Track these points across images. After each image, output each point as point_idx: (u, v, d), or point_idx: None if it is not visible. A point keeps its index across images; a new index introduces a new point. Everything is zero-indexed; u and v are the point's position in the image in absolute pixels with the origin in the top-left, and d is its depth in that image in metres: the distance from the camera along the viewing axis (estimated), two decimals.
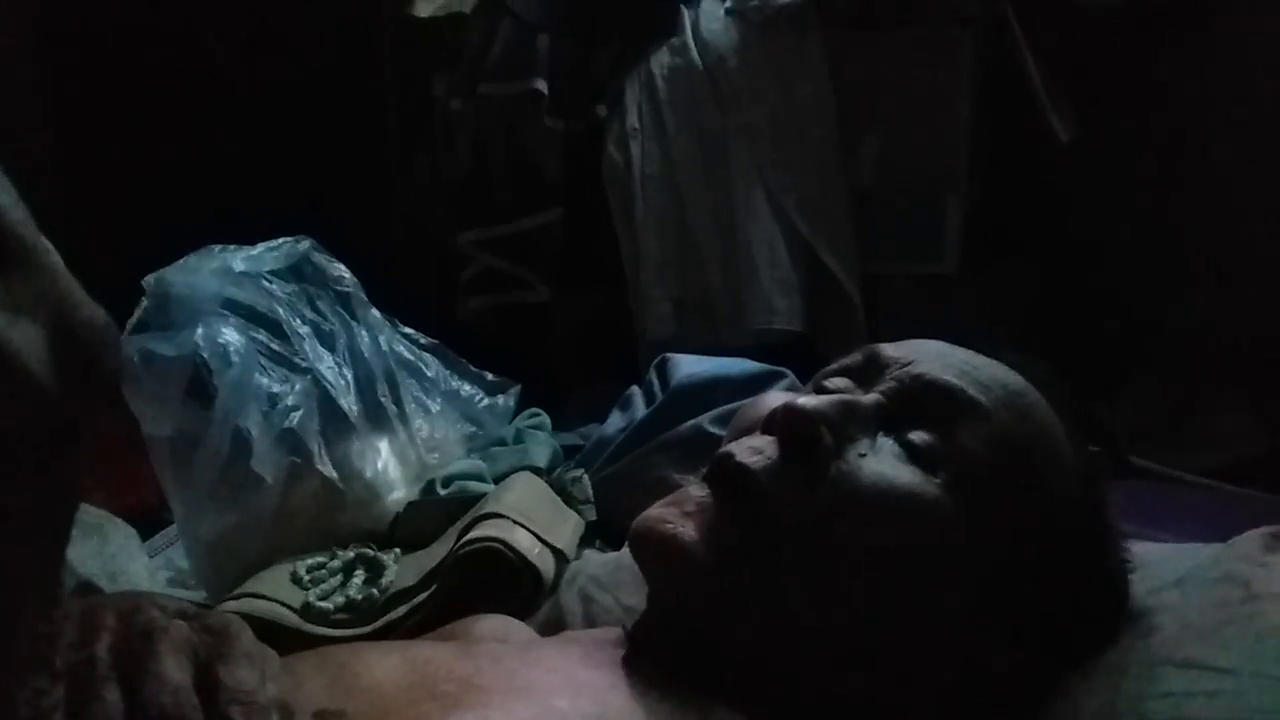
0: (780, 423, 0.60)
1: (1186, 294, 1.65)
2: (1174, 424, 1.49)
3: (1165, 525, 0.94)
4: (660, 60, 1.66)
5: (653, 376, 1.20)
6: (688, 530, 0.58)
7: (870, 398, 0.62)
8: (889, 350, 0.65)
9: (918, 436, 0.60)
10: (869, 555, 0.57)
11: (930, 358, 0.64)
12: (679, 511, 0.60)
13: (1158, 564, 0.68)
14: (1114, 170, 1.66)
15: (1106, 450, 1.18)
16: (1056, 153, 1.55)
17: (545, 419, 1.25)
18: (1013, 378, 0.64)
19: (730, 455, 0.60)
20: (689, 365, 1.16)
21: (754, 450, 0.60)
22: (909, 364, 0.63)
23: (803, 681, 0.59)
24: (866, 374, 0.65)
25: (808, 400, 0.61)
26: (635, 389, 1.21)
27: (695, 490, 0.61)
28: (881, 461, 0.59)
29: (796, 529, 0.57)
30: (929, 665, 0.59)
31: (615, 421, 1.17)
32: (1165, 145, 1.65)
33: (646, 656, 0.60)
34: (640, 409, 1.15)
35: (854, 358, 0.68)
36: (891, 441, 0.60)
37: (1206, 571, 0.65)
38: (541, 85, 1.65)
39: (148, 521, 1.21)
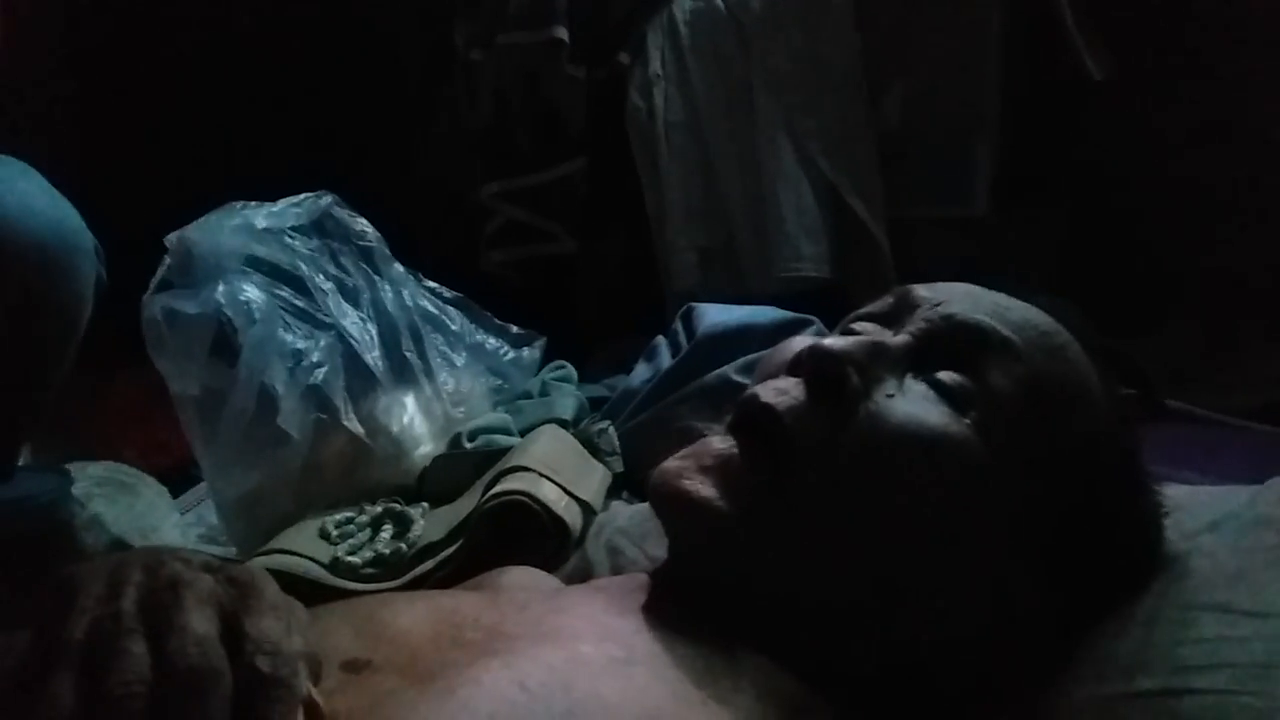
0: (806, 364, 0.60)
1: (1220, 234, 1.61)
2: (1208, 365, 1.46)
3: (1200, 467, 0.93)
4: (683, 5, 1.63)
5: (678, 326, 1.19)
6: (705, 486, 0.58)
7: (899, 339, 0.61)
8: (921, 291, 0.65)
9: (947, 376, 0.59)
10: (897, 496, 0.57)
11: (961, 298, 0.63)
12: (696, 466, 0.59)
13: (1192, 507, 0.67)
14: (1146, 110, 1.62)
15: (1140, 392, 1.17)
16: (1088, 93, 1.52)
17: (571, 371, 1.24)
18: (1044, 319, 0.63)
19: (755, 396, 0.59)
20: (715, 314, 1.15)
21: (779, 391, 0.59)
22: (939, 304, 0.63)
23: (830, 624, 0.58)
24: (896, 315, 0.65)
25: (834, 341, 0.60)
26: (661, 339, 1.20)
27: (717, 442, 0.61)
28: (910, 402, 0.58)
29: (823, 470, 0.57)
30: (958, 608, 0.58)
31: (641, 372, 1.17)
32: (1198, 83, 1.61)
33: (671, 602, 0.60)
34: (666, 359, 1.15)
35: (884, 300, 0.67)
36: (920, 382, 0.59)
37: (1241, 514, 0.64)
38: (562, 33, 1.63)
39: (178, 479, 1.22)
